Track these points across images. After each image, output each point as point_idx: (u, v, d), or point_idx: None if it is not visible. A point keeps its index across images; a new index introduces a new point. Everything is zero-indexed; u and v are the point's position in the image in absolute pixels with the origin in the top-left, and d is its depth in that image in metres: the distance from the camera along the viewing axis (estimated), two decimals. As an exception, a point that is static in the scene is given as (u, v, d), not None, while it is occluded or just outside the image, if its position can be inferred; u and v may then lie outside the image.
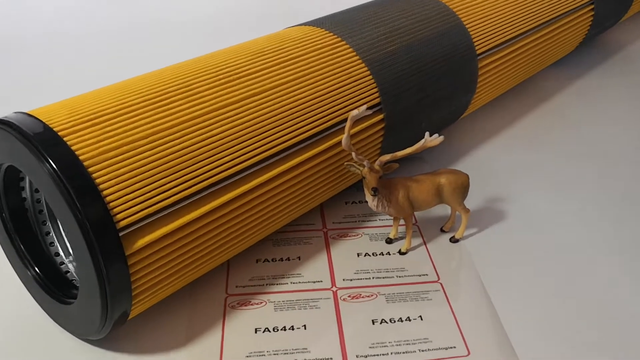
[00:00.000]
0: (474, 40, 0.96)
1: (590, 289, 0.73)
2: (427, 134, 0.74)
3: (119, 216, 0.57)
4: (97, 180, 0.56)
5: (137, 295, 0.60)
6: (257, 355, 0.64)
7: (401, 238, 0.81)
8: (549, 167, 0.98)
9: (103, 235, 0.55)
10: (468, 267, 0.77)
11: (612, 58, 1.41)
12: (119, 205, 0.57)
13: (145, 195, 0.59)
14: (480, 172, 0.92)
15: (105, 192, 0.56)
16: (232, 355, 0.64)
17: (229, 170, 0.65)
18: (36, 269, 0.68)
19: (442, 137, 0.74)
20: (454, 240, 0.81)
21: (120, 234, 0.57)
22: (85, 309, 0.61)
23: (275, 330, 0.67)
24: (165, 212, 0.60)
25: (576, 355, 0.64)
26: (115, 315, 0.59)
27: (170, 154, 0.61)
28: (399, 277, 0.75)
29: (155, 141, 0.61)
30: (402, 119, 0.85)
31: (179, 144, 0.62)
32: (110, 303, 0.58)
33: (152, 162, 0.60)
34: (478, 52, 0.96)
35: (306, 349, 0.65)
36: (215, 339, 0.66)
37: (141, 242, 0.58)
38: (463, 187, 0.77)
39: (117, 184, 0.57)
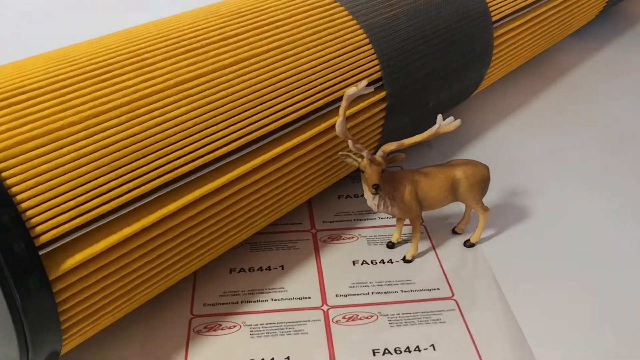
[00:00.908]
0: (490, 5, 0.81)
1: (632, 303, 0.60)
2: (439, 117, 0.60)
3: (39, 229, 0.42)
4: (9, 182, 0.42)
5: (69, 329, 0.46)
6: (227, 399, 0.50)
7: (405, 242, 0.68)
8: (577, 154, 0.84)
9: (15, 254, 0.41)
10: (487, 278, 0.63)
11: (632, 30, 1.27)
12: (39, 215, 0.42)
13: (76, 200, 0.44)
14: (496, 159, 0.78)
15: (19, 198, 0.42)
16: (196, 399, 0.50)
17: (192, 164, 0.51)
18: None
19: (458, 121, 0.60)
20: (469, 244, 0.67)
21: (41, 253, 0.42)
22: (3, 348, 0.47)
23: (252, 364, 0.54)
24: (105, 221, 0.46)
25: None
26: (40, 357, 0.45)
27: (111, 144, 0.47)
28: (405, 292, 0.62)
29: (92, 127, 0.47)
30: (407, 98, 0.70)
31: (125, 131, 0.48)
32: (32, 344, 0.44)
33: (87, 155, 0.46)
34: (494, 19, 0.82)
35: (290, 390, 0.51)
36: (176, 376, 0.52)
37: (70, 261, 0.44)
38: (482, 182, 0.63)
39: (36, 186, 0.43)
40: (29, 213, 0.42)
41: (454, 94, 0.81)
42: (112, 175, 0.46)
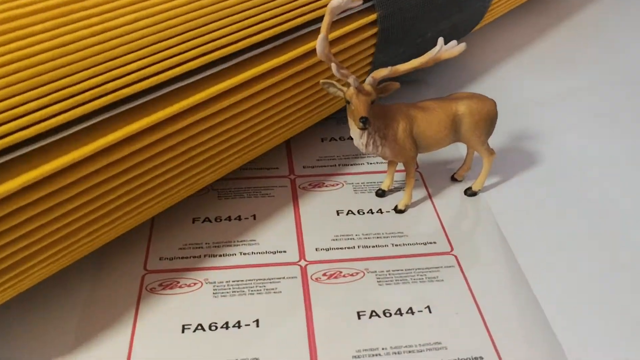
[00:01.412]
0: None
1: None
2: (440, 40, 0.51)
3: None
4: None
5: (-19, 284, 0.37)
6: (182, 369, 0.42)
7: (397, 190, 0.59)
8: (589, 95, 0.76)
9: None
10: (490, 230, 0.55)
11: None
12: None
13: (-19, 121, 0.35)
14: (502, 101, 0.69)
15: None
16: (145, 369, 0.42)
17: (138, 84, 0.41)
18: None
19: (463, 45, 0.51)
20: (470, 193, 0.58)
21: None
22: None
23: (213, 328, 0.45)
24: (25, 151, 0.36)
25: (626, 339, 0.43)
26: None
27: (35, 54, 0.37)
28: (396, 246, 0.53)
29: (8, 32, 0.37)
30: (402, 24, 0.60)
31: (53, 39, 0.38)
32: None
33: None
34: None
35: (257, 358, 0.43)
36: (121, 341, 0.44)
37: (-24, 199, 0.35)
38: (489, 119, 0.54)
39: None
40: None
41: (455, 24, 0.71)
42: (35, 93, 0.36)
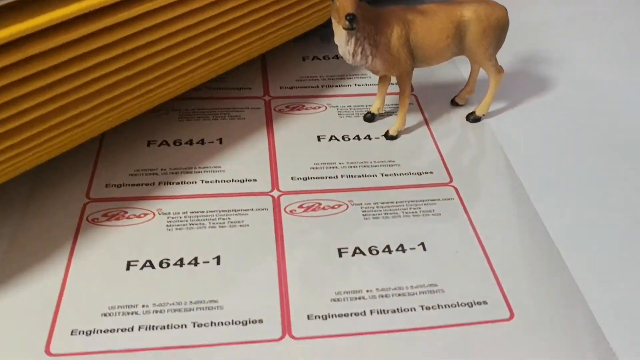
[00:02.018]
0: None
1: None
2: None
3: None
4: None
5: None
6: (124, 313, 0.34)
7: (389, 114, 0.51)
8: (604, 19, 0.68)
9: None
10: (496, 159, 0.47)
11: None
12: None
13: None
14: (513, 20, 0.61)
15: None
16: (77, 313, 0.34)
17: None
18: None
19: None
20: (474, 118, 0.51)
21: None
22: None
23: (165, 265, 0.37)
24: None
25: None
26: None
27: None
28: (386, 176, 0.45)
29: None
30: None
31: None
32: None
33: None
34: None
35: (216, 302, 0.35)
36: (52, 280, 0.36)
37: None
38: (499, 27, 0.46)
39: None
40: None
41: None
42: None
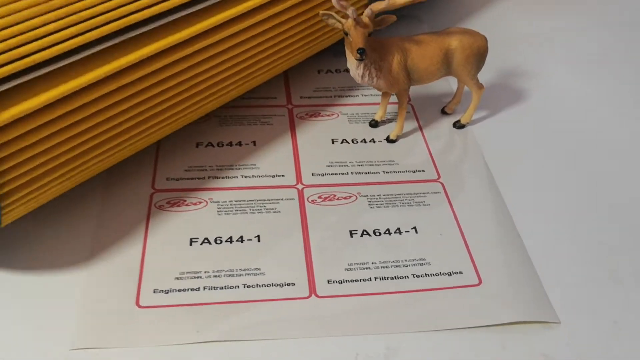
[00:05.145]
0: None
1: (619, 188, 0.56)
2: (437, -24, 0.53)
3: (-41, 73, 0.35)
4: None
5: (9, 195, 0.41)
6: (191, 277, 0.46)
7: (390, 121, 0.62)
8: (577, 36, 0.78)
9: None
10: (476, 160, 0.58)
11: None
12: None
13: (7, 43, 0.37)
14: (492, 37, 0.71)
15: None
16: (157, 275, 0.46)
17: (145, 11, 0.43)
18: None
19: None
20: (459, 125, 0.62)
21: (-35, 103, 0.36)
22: None
23: (218, 242, 0.49)
24: (45, 71, 0.39)
25: (618, 285, 0.48)
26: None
27: (47, -22, 0.39)
28: (387, 173, 0.57)
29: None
30: (400, -42, 0.62)
31: (63, -37, 0.40)
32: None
33: (17, -12, 0.38)
34: None
35: (259, 269, 0.47)
36: (133, 252, 0.48)
37: (5, 115, 0.37)
38: (479, 54, 0.57)
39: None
40: (-55, 53, 0.35)
41: (451, -39, 0.72)
42: (52, 15, 0.39)
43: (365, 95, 0.65)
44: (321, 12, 0.52)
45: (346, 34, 0.52)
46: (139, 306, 0.44)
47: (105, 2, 0.41)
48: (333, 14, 0.52)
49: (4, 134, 0.38)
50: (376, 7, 0.51)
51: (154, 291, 0.45)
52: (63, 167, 0.44)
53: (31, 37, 0.38)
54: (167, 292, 0.45)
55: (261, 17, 0.51)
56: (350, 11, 0.50)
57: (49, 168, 0.42)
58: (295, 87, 0.66)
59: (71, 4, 0.40)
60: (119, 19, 0.42)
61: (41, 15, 0.39)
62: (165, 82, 0.47)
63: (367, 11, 0.51)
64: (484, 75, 0.61)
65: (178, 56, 0.46)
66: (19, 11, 0.38)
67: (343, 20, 0.52)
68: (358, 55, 0.51)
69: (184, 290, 0.45)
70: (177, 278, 0.46)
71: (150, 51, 0.44)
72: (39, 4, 0.38)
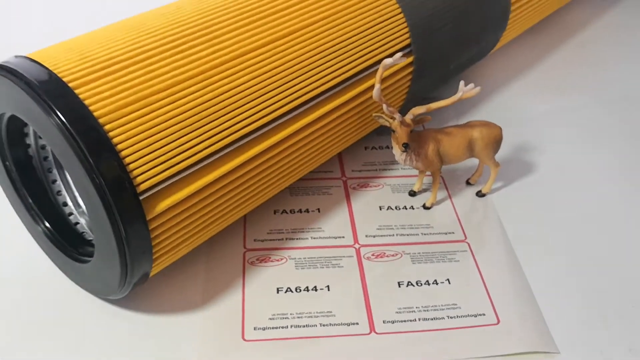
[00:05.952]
0: (509, -29, 0.88)
1: (625, 255, 0.71)
2: (461, 83, 0.69)
3: (139, 179, 0.52)
4: (115, 140, 0.51)
5: (158, 258, 0.57)
6: (280, 318, 0.62)
7: (425, 190, 0.78)
8: (579, 114, 0.93)
9: (122, 198, 0.51)
10: (494, 224, 0.74)
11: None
12: (139, 167, 0.52)
13: (166, 155, 0.54)
14: (506, 117, 0.87)
15: (123, 153, 0.51)
16: (255, 316, 0.62)
17: (254, 124, 0.60)
18: (46, 222, 0.63)
19: (478, 89, 0.69)
20: (480, 194, 0.77)
21: (141, 198, 0.52)
22: (103, 269, 0.57)
23: (298, 290, 0.65)
24: (187, 172, 0.56)
25: (606, 325, 0.62)
26: (135, 277, 0.56)
27: (191, 108, 0.56)
28: (424, 234, 0.72)
29: (175, 93, 0.55)
30: (433, 62, 0.79)
31: (201, 97, 0.56)
32: (131, 266, 0.54)
33: (173, 117, 0.54)
34: (512, -15, 0.89)
35: (331, 312, 0.62)
36: (235, 298, 0.63)
37: (162, 205, 0.54)
38: (496, 142, 0.73)
39: (135, 143, 0.52)
40: (131, 166, 0.51)
41: (472, 56, 0.89)
42: (193, 135, 0.55)
43: (404, 169, 0.81)
44: (374, 114, 0.69)
45: (393, 131, 0.68)
46: (244, 339, 0.60)
47: (223, 123, 0.58)
48: (383, 115, 0.68)
49: (158, 219, 0.54)
50: (416, 111, 0.67)
51: (254, 328, 0.61)
52: (191, 238, 0.60)
53: (178, 151, 0.55)
54: (264, 329, 0.60)
55: (329, 119, 0.67)
56: (397, 115, 0.66)
57: (183, 239, 0.59)
58: (348, 162, 0.82)
59: (201, 126, 0.57)
60: (235, 132, 0.59)
61: (186, 134, 0.55)
62: (263, 172, 0.63)
63: (409, 115, 0.67)
64: (499, 151, 0.76)
65: (276, 150, 0.62)
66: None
67: (391, 120, 0.68)
68: (403, 148, 0.67)
69: (276, 328, 0.61)
70: (270, 318, 0.62)
71: (252, 153, 0.60)
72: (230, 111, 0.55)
